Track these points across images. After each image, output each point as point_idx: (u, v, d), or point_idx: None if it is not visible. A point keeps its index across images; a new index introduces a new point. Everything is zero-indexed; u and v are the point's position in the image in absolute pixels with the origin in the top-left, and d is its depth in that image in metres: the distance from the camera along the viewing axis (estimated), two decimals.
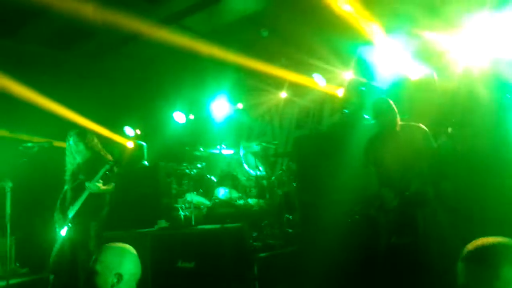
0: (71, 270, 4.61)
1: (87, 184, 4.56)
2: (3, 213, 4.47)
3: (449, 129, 4.42)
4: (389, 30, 5.34)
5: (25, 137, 5.82)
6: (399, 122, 4.30)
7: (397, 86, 5.63)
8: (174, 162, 7.16)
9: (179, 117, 8.49)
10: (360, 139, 4.84)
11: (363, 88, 6.07)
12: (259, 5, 5.09)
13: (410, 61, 5.61)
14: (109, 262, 2.18)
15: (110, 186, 4.75)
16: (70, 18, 4.64)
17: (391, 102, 4.33)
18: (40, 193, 5.69)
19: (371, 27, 5.03)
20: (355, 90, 6.27)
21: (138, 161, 7.47)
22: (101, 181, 4.59)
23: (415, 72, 5.56)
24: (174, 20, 5.16)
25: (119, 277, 2.14)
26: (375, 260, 4.12)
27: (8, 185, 4.35)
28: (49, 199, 5.12)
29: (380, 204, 4.17)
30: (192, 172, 6.87)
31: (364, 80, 6.24)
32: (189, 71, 7.24)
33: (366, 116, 4.83)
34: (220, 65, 6.05)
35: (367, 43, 5.52)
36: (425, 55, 5.48)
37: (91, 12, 4.52)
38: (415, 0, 4.83)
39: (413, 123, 4.33)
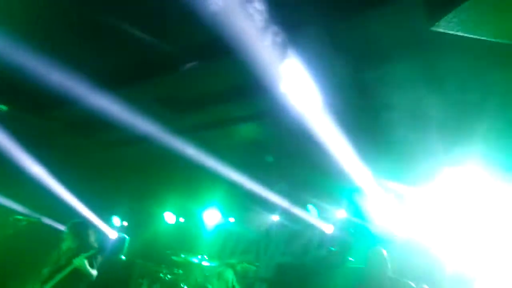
0: None
1: (74, 259, 4.56)
2: None
3: None
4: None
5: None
6: (389, 275, 4.37)
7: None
8: (152, 263, 7.02)
9: (169, 217, 8.54)
10: (343, 280, 4.84)
11: (352, 230, 6.23)
12: (266, 134, 5.55)
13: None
14: None
15: (93, 272, 4.73)
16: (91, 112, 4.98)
17: (384, 252, 4.44)
18: (20, 266, 5.56)
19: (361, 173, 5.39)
20: (344, 230, 6.42)
21: (116, 253, 7.35)
22: (87, 261, 4.62)
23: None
24: (188, 131, 5.59)
25: None
26: None
27: None
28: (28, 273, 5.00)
29: None
30: (166, 277, 6.71)
31: (356, 221, 6.43)
32: (186, 177, 7.45)
33: (351, 259, 4.91)
34: (216, 177, 6.28)
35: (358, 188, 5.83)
36: None
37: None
38: None
39: (404, 280, 4.37)
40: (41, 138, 5.98)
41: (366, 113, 4.31)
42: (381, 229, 5.75)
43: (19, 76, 4.09)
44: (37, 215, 5.04)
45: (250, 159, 5.98)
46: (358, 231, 6.18)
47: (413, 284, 4.29)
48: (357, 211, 6.28)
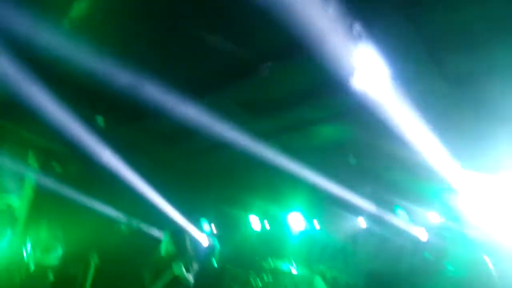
0: None
1: (173, 267, 4.81)
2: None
3: None
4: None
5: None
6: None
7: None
8: (241, 268, 7.15)
9: (255, 223, 8.70)
10: None
11: (448, 235, 5.75)
12: (347, 135, 5.38)
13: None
14: None
15: (190, 278, 4.93)
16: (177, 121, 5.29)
17: (487, 260, 4.08)
18: (124, 272, 5.97)
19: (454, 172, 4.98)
20: (439, 234, 5.96)
21: (207, 259, 7.63)
22: (184, 268, 4.84)
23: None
24: (269, 135, 5.65)
25: None
26: None
27: (95, 259, 4.72)
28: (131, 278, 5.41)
29: None
30: (256, 284, 6.80)
31: (452, 225, 5.94)
32: (269, 181, 7.51)
33: (448, 267, 4.54)
34: (299, 181, 6.22)
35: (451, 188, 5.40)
36: None
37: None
38: None
39: None
40: (135, 148, 6.49)
41: (456, 107, 3.97)
42: (481, 233, 5.22)
43: (113, 90, 4.56)
44: (135, 222, 5.42)
45: (333, 161, 5.87)
46: (455, 236, 5.68)
47: None
48: (452, 214, 5.79)
